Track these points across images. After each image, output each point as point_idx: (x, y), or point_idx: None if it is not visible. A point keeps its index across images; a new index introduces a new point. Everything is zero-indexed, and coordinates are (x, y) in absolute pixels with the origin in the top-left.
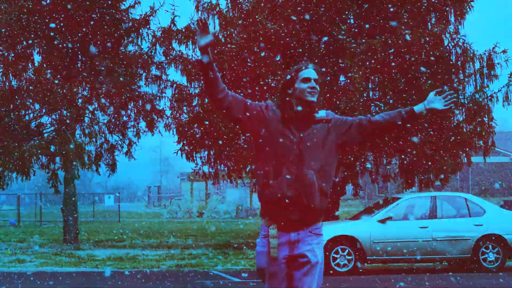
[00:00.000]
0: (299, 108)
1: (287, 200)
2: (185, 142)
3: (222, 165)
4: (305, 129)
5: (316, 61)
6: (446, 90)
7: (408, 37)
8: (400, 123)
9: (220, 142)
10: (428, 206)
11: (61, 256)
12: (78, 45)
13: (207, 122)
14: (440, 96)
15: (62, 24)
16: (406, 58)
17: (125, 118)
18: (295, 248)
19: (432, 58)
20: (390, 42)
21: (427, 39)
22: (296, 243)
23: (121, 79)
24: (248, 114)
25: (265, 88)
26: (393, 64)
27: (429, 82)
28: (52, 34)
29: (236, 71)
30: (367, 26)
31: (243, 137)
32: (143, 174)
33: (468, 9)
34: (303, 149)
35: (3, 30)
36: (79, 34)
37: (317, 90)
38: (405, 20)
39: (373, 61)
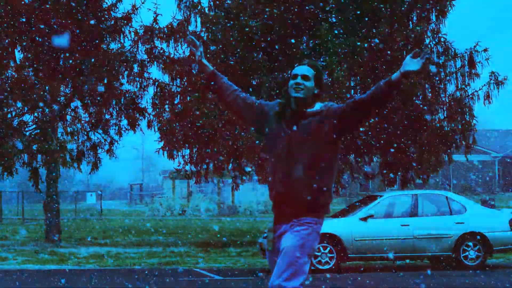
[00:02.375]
0: (283, 104)
1: (280, 196)
2: (166, 140)
3: (205, 164)
4: (294, 124)
5: (298, 58)
6: (421, 52)
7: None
8: (381, 92)
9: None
10: (410, 204)
11: (43, 254)
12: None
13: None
14: (416, 58)
15: (44, 21)
16: (387, 58)
17: (107, 116)
18: (282, 238)
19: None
20: (371, 40)
21: (411, 39)
22: (283, 234)
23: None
24: (256, 116)
25: (246, 87)
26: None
27: (411, 80)
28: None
29: (218, 70)
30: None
31: (227, 137)
32: (125, 172)
33: (450, 8)
34: (292, 145)
35: None
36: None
37: (304, 85)
38: (385, 19)
39: (356, 59)
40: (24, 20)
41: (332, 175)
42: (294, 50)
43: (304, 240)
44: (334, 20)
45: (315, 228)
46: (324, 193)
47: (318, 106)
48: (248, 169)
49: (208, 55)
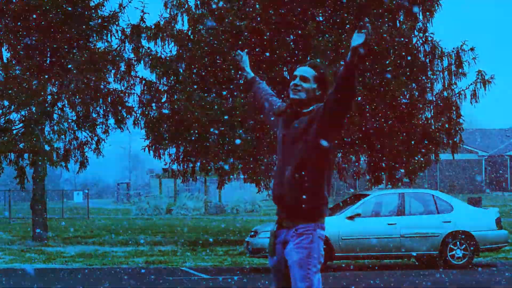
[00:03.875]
0: (286, 106)
1: (275, 198)
2: (152, 138)
3: (191, 163)
4: (288, 126)
5: (288, 58)
6: (364, 25)
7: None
8: (341, 76)
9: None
10: (396, 203)
11: (30, 253)
12: (47, 42)
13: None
14: (361, 32)
15: (31, 20)
16: (374, 56)
17: (94, 115)
18: (286, 247)
19: (399, 61)
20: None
21: (397, 39)
22: (285, 243)
23: (90, 76)
24: (271, 120)
25: (231, 87)
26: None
27: (400, 79)
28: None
29: (206, 69)
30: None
31: (214, 136)
32: (112, 171)
33: (437, 7)
34: (284, 146)
35: None
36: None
37: (302, 87)
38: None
39: (340, 56)
40: (8, 18)
41: (322, 177)
42: (280, 50)
43: (308, 250)
44: (321, 19)
45: (316, 234)
46: (313, 196)
47: (313, 106)
48: (227, 167)
49: (196, 52)
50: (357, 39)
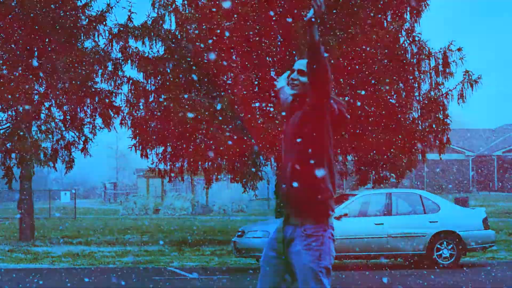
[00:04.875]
0: (288, 101)
1: (281, 196)
2: (139, 138)
3: (178, 163)
4: (288, 122)
5: (275, 59)
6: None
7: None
8: (306, 53)
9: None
10: (384, 203)
11: (17, 253)
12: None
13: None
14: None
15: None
16: (361, 55)
17: (81, 115)
18: (291, 246)
19: (385, 61)
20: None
21: (385, 39)
22: (291, 241)
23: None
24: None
25: (219, 85)
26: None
27: (387, 79)
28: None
29: (192, 68)
30: (322, 25)
31: (200, 136)
32: (99, 170)
33: (424, 7)
34: (285, 143)
35: None
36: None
37: (300, 81)
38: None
39: (329, 57)
40: None
41: (322, 169)
42: (268, 50)
43: (319, 252)
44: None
45: (326, 235)
46: (316, 189)
47: None
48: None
49: (184, 51)
50: (309, 14)
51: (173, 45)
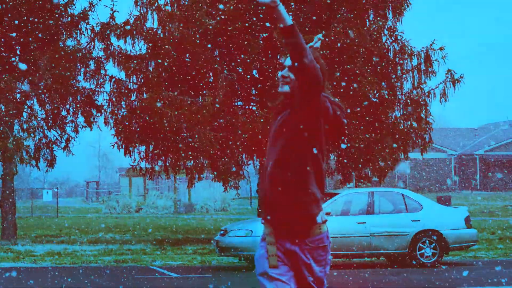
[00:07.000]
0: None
1: (263, 204)
2: (122, 136)
3: (160, 161)
4: (274, 122)
5: (258, 57)
6: None
7: (351, 33)
8: (286, 44)
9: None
10: (366, 202)
11: None
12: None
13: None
14: None
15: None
16: (343, 54)
17: (63, 113)
18: (295, 259)
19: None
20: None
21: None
22: (294, 254)
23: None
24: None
25: (201, 84)
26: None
27: (369, 78)
28: None
29: (174, 66)
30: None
31: (184, 134)
32: (81, 169)
33: (406, 6)
34: (269, 144)
35: None
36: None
37: (290, 78)
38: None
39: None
40: None
41: (305, 171)
42: (250, 49)
43: (325, 261)
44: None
45: (327, 241)
46: (299, 192)
47: None
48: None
49: (162, 50)
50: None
51: (154, 44)
